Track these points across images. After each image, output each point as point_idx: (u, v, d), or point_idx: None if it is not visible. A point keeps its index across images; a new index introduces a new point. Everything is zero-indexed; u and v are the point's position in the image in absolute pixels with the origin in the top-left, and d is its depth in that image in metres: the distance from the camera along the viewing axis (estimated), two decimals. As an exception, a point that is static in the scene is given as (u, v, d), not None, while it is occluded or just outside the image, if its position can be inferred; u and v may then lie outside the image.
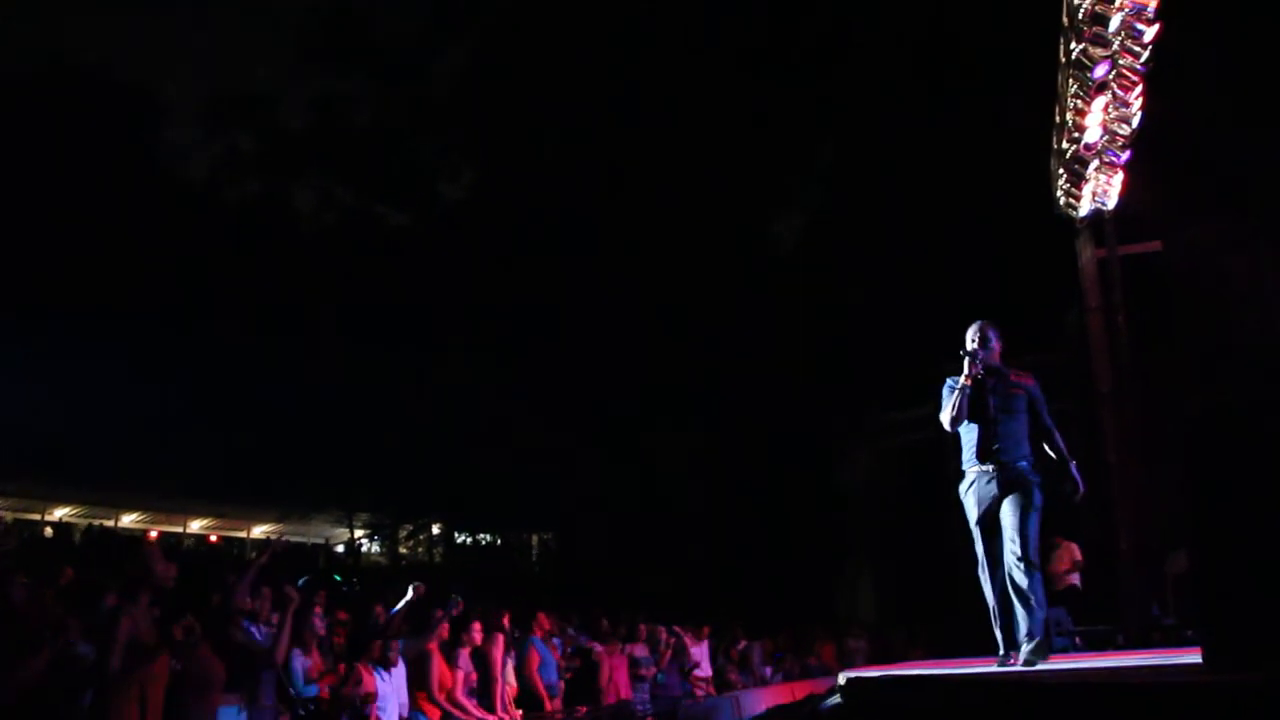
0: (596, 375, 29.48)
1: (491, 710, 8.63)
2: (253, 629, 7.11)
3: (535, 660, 9.46)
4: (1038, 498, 5.74)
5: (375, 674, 7.44)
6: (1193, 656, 3.92)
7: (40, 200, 29.99)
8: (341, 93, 35.39)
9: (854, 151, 31.79)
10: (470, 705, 8.44)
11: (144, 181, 33.82)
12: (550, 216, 31.78)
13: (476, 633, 8.76)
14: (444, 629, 8.33)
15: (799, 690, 13.51)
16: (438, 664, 8.20)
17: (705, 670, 13.25)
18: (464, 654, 8.58)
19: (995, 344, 6.11)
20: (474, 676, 8.62)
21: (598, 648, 10.99)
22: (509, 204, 32.97)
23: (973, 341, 6.04)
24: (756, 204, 32.92)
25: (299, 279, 31.92)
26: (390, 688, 7.51)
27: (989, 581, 5.80)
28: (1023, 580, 5.54)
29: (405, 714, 7.78)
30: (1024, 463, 5.80)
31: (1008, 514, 5.71)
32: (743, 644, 15.08)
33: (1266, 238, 12.35)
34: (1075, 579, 13.15)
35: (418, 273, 31.99)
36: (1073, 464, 5.89)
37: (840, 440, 25.84)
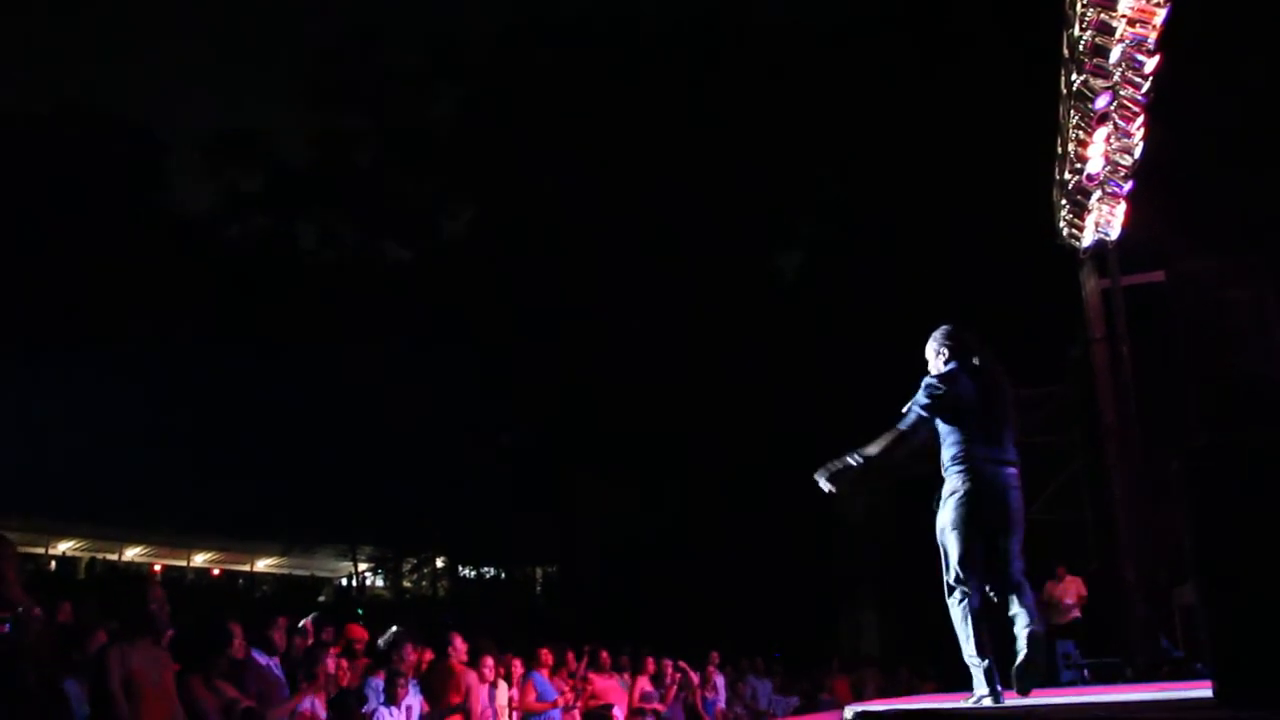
0: (599, 407, 29.47)
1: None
2: (270, 662, 7.06)
3: (531, 696, 9.38)
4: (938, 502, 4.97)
5: (386, 711, 7.39)
6: (1203, 690, 3.88)
7: (44, 238, 30.15)
8: (342, 130, 35.50)
9: (854, 185, 31.90)
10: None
11: (147, 218, 33.98)
12: (551, 250, 31.87)
13: (487, 668, 8.71)
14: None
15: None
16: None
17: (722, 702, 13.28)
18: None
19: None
20: (489, 714, 8.56)
21: (601, 682, 10.93)
22: (510, 239, 33.06)
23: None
24: (757, 238, 33.00)
25: (302, 314, 32.00)
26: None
27: None
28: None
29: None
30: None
31: None
32: (749, 679, 15.02)
33: (1269, 269, 12.36)
34: (1078, 613, 13.12)
35: (421, 308, 32.06)
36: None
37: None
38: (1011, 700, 4.67)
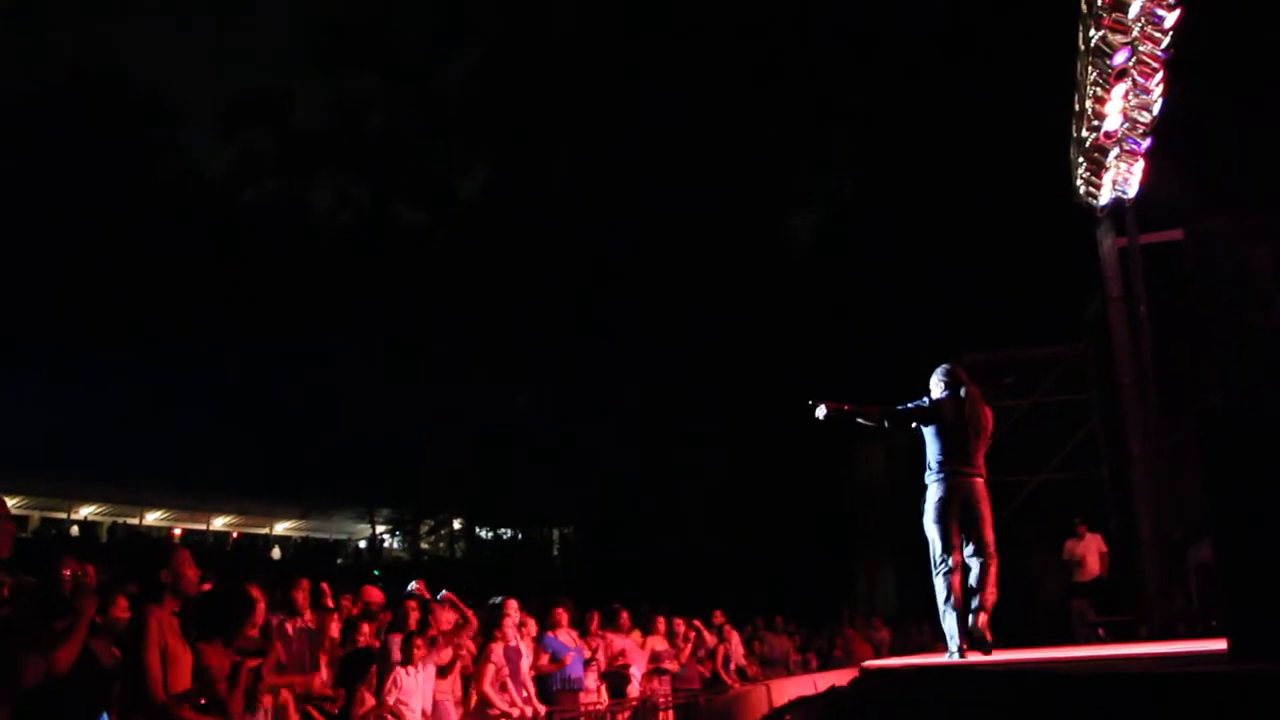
0: (615, 371, 29.50)
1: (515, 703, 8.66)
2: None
3: (544, 659, 9.44)
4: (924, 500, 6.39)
5: (403, 671, 7.47)
6: (1218, 647, 3.90)
7: (64, 204, 30.22)
8: (356, 93, 35.45)
9: (870, 145, 31.68)
10: (499, 697, 8.48)
11: (163, 183, 34.04)
12: (565, 213, 31.79)
13: (508, 628, 8.78)
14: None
15: (821, 682, 13.48)
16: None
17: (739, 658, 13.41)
18: (495, 648, 8.59)
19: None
20: (505, 671, 8.64)
21: (618, 641, 11.01)
22: (523, 201, 33.00)
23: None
24: (771, 201, 32.83)
25: (317, 277, 32.07)
26: (416, 684, 7.54)
27: None
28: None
29: (429, 711, 7.78)
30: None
31: None
32: (765, 636, 15.12)
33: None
34: (1101, 570, 13.09)
35: (436, 270, 32.09)
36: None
37: (856, 436, 25.77)
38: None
